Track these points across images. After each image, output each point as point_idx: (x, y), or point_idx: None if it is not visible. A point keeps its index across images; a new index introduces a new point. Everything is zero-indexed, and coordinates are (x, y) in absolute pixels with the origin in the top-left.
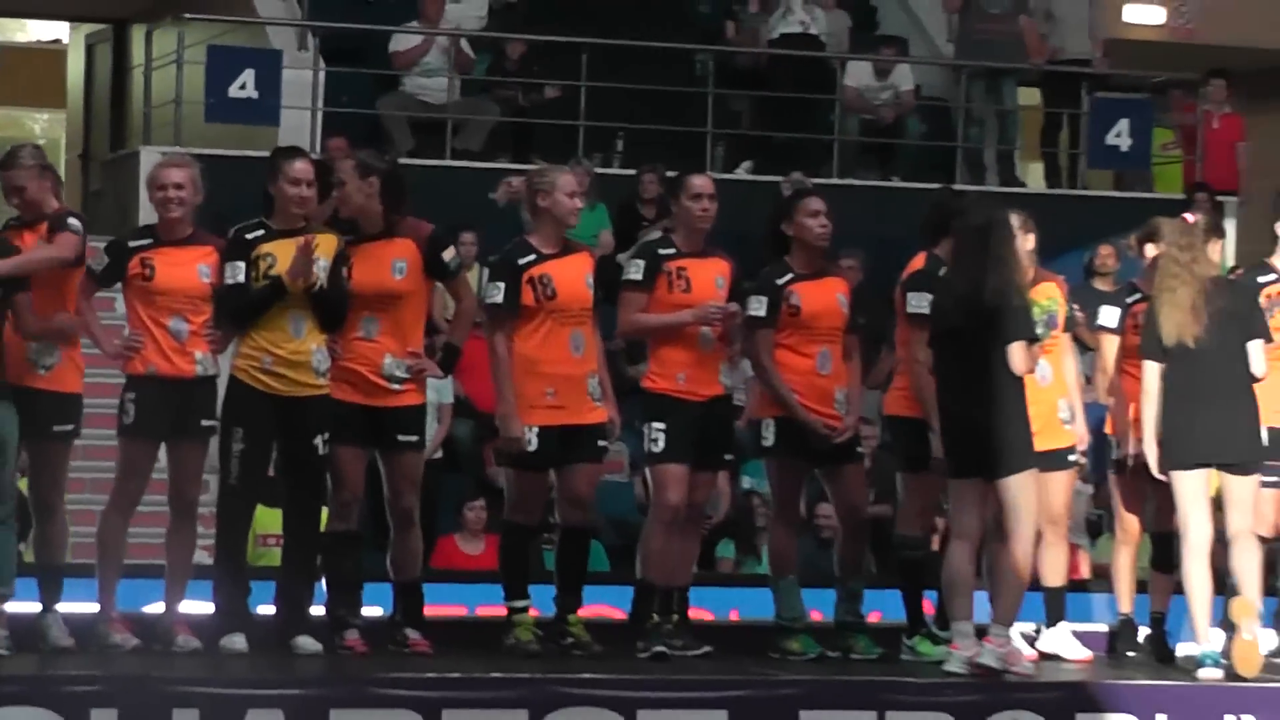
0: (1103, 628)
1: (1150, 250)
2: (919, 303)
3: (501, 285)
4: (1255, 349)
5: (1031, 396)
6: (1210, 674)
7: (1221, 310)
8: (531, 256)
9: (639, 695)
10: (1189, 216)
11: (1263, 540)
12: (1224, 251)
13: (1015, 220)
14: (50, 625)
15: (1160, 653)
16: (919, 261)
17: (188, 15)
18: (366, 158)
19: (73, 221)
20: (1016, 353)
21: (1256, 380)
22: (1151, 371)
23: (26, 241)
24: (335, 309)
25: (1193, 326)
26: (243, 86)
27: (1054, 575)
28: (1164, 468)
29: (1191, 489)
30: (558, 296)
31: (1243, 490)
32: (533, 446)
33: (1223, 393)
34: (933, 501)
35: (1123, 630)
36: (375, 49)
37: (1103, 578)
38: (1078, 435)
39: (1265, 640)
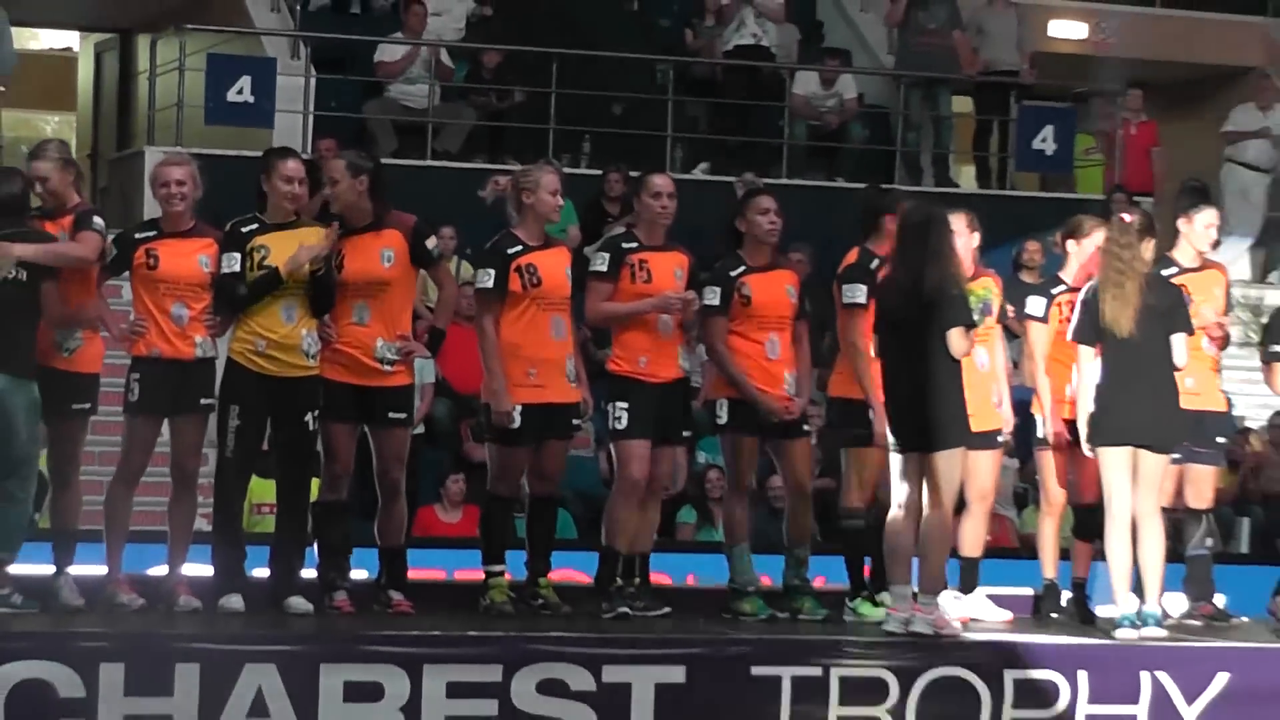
0: (1028, 591)
1: (1072, 246)
2: (853, 293)
3: (492, 272)
4: (1178, 342)
5: (971, 380)
6: (1127, 634)
7: (1151, 305)
8: (519, 247)
9: (604, 652)
10: (1126, 216)
11: (1165, 511)
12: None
13: (963, 220)
14: (62, 586)
15: (1082, 614)
16: (852, 256)
17: (189, 26)
18: (355, 158)
19: (97, 221)
20: (955, 338)
21: (1177, 369)
22: (1086, 355)
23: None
24: (326, 294)
25: (1129, 319)
26: (239, 91)
27: (971, 547)
28: (1092, 444)
29: (1116, 465)
30: (543, 284)
31: (1155, 468)
32: (516, 423)
33: (1147, 379)
34: (873, 475)
35: (1047, 594)
36: (362, 58)
37: (1028, 546)
38: (1006, 418)
39: (1173, 603)
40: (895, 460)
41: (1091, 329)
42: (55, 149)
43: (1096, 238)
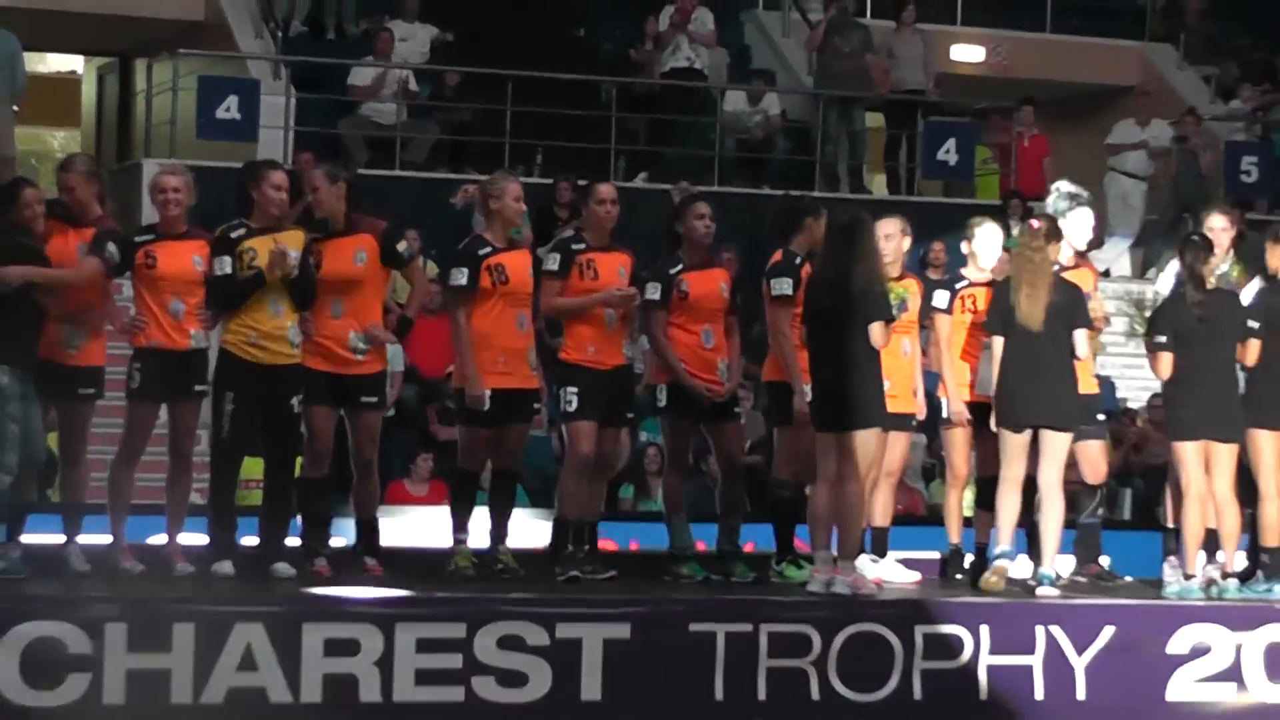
0: (936, 555)
1: (964, 248)
2: (781, 287)
3: (465, 270)
4: (1080, 336)
5: (894, 367)
6: (1050, 594)
7: (1056, 302)
8: (488, 249)
9: (558, 611)
10: (1035, 223)
11: (1087, 486)
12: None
13: (897, 224)
14: (71, 554)
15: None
16: (779, 255)
17: (181, 50)
18: (334, 168)
19: (110, 248)
20: (876, 330)
21: (1078, 359)
22: (997, 344)
23: (69, 239)
24: (305, 291)
25: (1039, 315)
26: (227, 109)
27: (882, 517)
28: (999, 424)
29: (1016, 444)
30: (510, 282)
31: (1058, 447)
32: (487, 406)
33: (1050, 369)
34: (801, 451)
35: (952, 558)
36: (337, 79)
37: (936, 515)
38: (920, 405)
39: (1065, 564)
40: (819, 438)
41: (1001, 321)
42: (82, 162)
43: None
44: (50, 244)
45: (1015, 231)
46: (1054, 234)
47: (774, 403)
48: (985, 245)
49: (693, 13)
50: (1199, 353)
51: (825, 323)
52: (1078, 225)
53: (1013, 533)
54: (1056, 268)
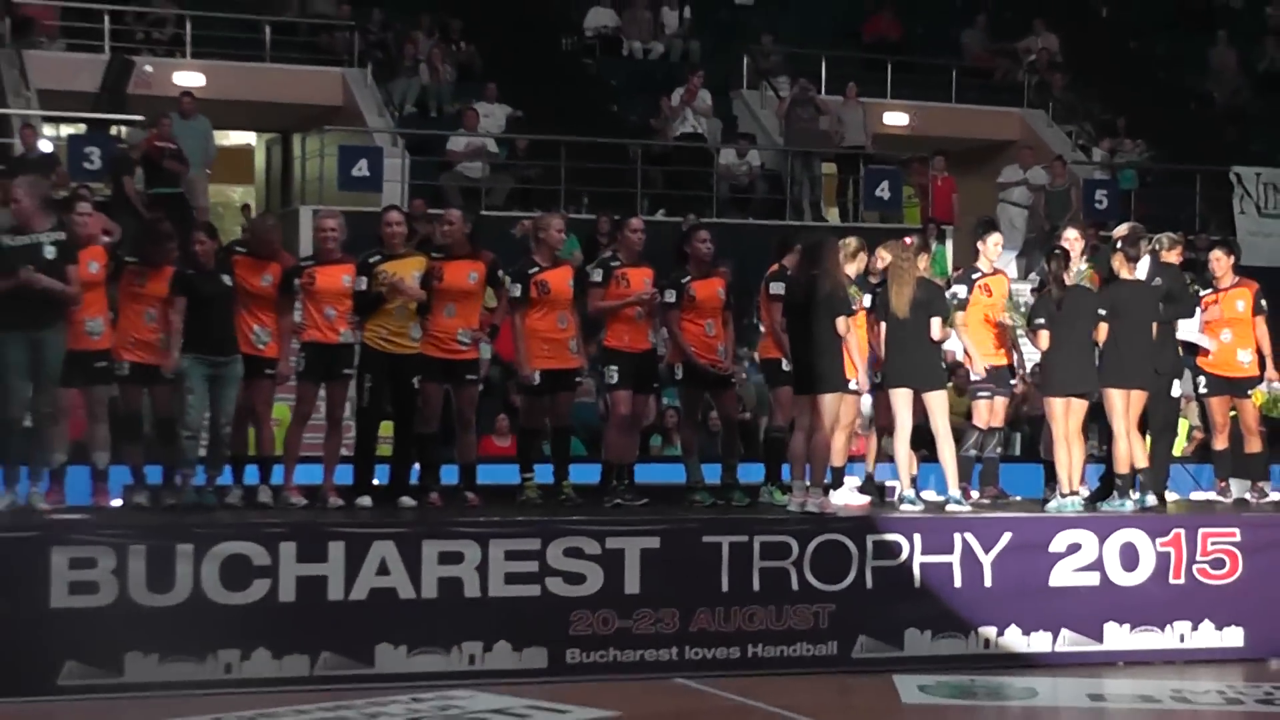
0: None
1: (980, 247)
2: (776, 289)
3: (519, 285)
4: (935, 323)
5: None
6: (911, 509)
7: (919, 297)
8: (535, 268)
9: (606, 528)
10: (907, 240)
11: (994, 429)
12: (930, 261)
13: (854, 244)
14: (262, 491)
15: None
16: (774, 267)
17: (326, 127)
18: (466, 213)
19: (295, 284)
20: (840, 323)
21: (935, 341)
22: (884, 329)
23: (259, 270)
24: (423, 304)
25: (906, 306)
26: (360, 169)
27: (839, 458)
28: (886, 385)
29: (903, 399)
30: (551, 292)
31: (938, 402)
32: (536, 382)
33: (916, 346)
34: (788, 406)
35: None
36: (438, 146)
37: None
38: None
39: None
40: (796, 399)
41: (885, 311)
42: (270, 217)
43: (886, 255)
44: (239, 272)
45: (936, 247)
46: (924, 247)
47: (768, 373)
48: (993, 249)
49: (696, 93)
50: (1062, 332)
51: (800, 316)
52: (992, 244)
53: (911, 476)
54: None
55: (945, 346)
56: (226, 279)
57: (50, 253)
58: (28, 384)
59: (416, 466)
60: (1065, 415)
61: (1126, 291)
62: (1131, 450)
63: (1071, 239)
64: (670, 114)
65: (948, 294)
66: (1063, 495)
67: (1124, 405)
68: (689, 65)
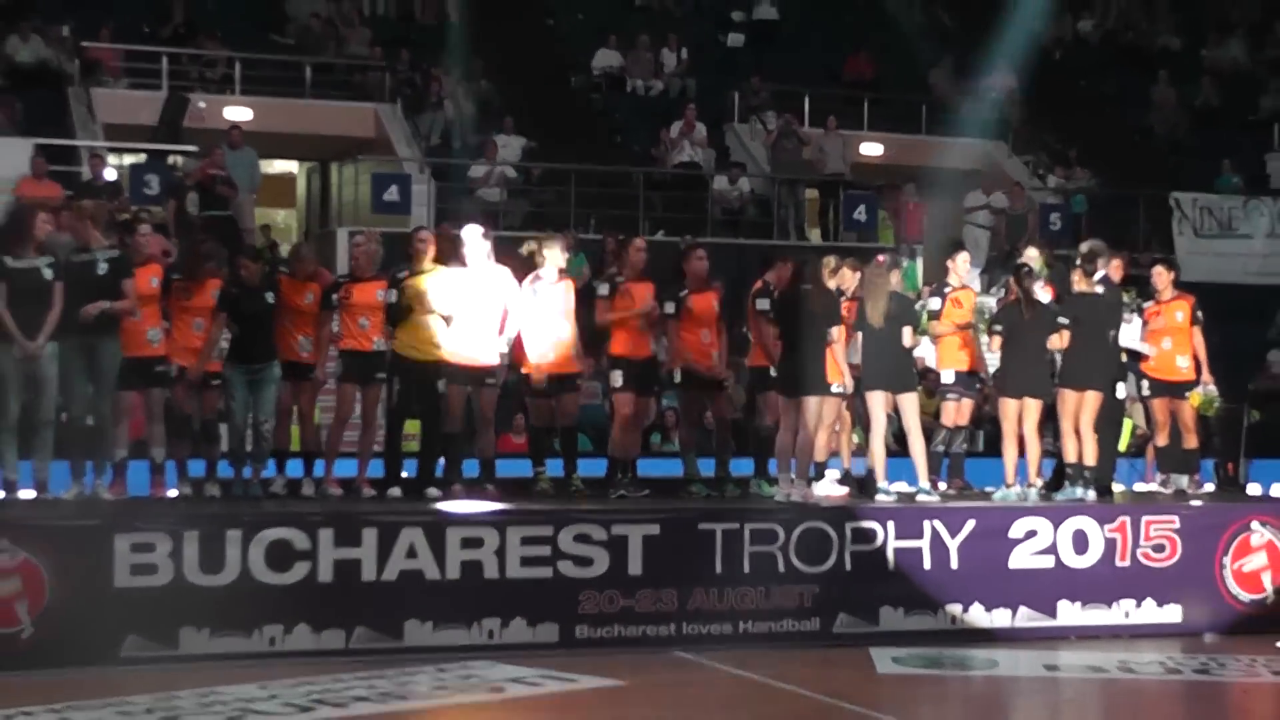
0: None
1: (950, 265)
2: (762, 305)
3: (531, 295)
4: (906, 332)
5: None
6: (885, 499)
7: (891, 309)
8: (540, 283)
9: (612, 516)
10: (880, 258)
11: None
12: (902, 276)
13: (834, 261)
14: (305, 483)
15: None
16: (759, 284)
17: (360, 157)
18: (486, 234)
19: (334, 298)
20: (832, 332)
21: (906, 348)
22: (858, 339)
23: (299, 288)
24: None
25: (880, 317)
26: (391, 194)
27: (821, 454)
28: (865, 389)
29: (877, 400)
30: (558, 304)
31: (910, 401)
32: (543, 385)
33: (890, 353)
34: (774, 408)
35: (867, 479)
36: (460, 173)
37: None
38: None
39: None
40: (783, 402)
41: (862, 322)
42: (307, 249)
43: (848, 273)
44: (284, 291)
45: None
46: (895, 264)
47: (755, 379)
48: (961, 266)
49: (693, 125)
50: (1020, 340)
51: (790, 328)
52: (961, 262)
53: (884, 469)
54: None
55: (915, 353)
56: (269, 296)
57: (103, 269)
58: (87, 386)
59: (441, 461)
60: (1018, 415)
61: (1085, 303)
62: (1081, 446)
63: (1033, 257)
64: (669, 145)
65: (918, 305)
66: (1007, 486)
67: (1076, 405)
68: (686, 101)
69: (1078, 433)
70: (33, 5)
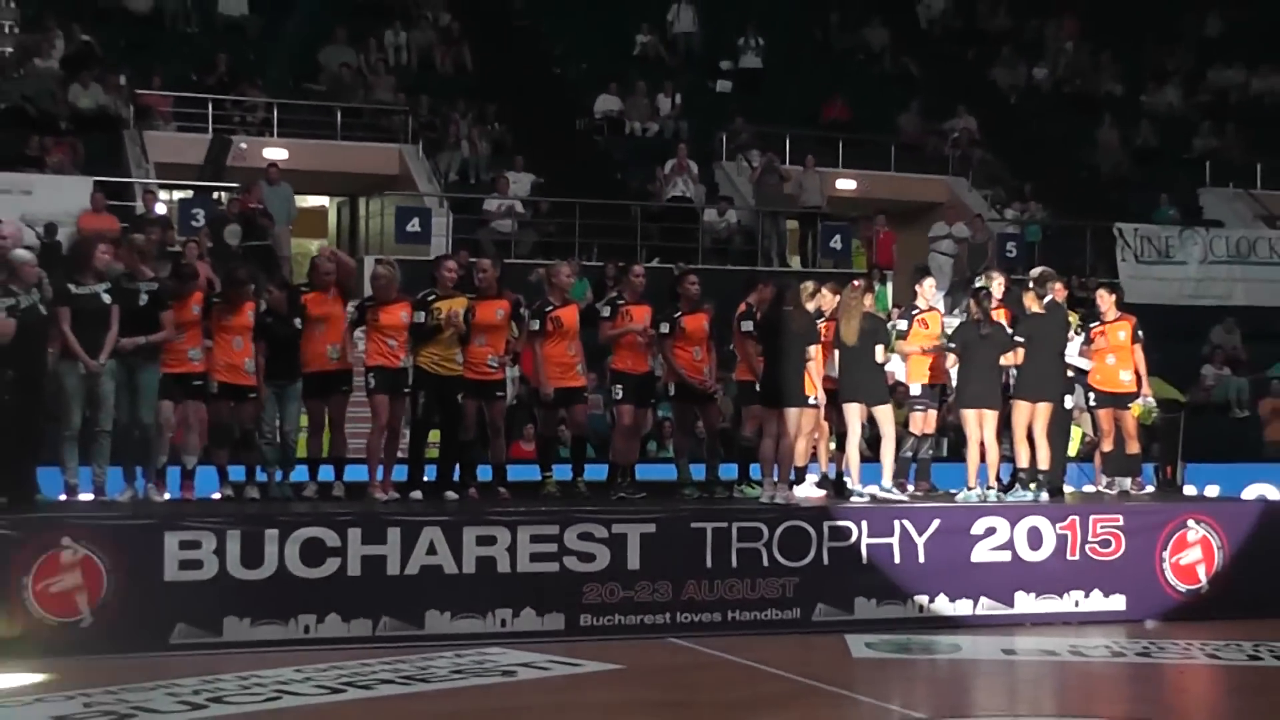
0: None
1: (917, 289)
2: (746, 327)
3: (537, 321)
4: (879, 350)
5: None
6: (859, 500)
7: (864, 328)
8: (550, 306)
9: (612, 516)
10: (856, 282)
11: (927, 435)
12: (874, 299)
13: (812, 286)
14: (335, 487)
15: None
16: (743, 306)
17: (385, 192)
18: (496, 260)
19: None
20: (811, 350)
21: (879, 363)
22: (837, 356)
23: (328, 300)
24: (463, 337)
25: (855, 336)
26: (413, 225)
27: (801, 459)
28: (842, 401)
29: (853, 411)
30: (563, 326)
31: (884, 413)
32: (552, 397)
33: (865, 368)
34: (758, 420)
35: (838, 481)
36: (475, 206)
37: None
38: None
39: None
40: (765, 413)
41: (838, 341)
42: (324, 260)
43: (834, 297)
44: (310, 304)
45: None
46: (869, 288)
47: (741, 392)
48: (928, 290)
49: (684, 163)
50: (978, 356)
51: (773, 346)
52: (928, 287)
53: (859, 473)
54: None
55: (886, 368)
56: (298, 322)
57: (144, 300)
58: (125, 399)
59: (458, 467)
60: (978, 424)
61: (1036, 321)
62: (1034, 452)
63: (996, 282)
64: (663, 180)
65: (889, 325)
66: (968, 489)
67: (1029, 415)
68: (679, 141)
69: (1031, 440)
70: (93, 56)
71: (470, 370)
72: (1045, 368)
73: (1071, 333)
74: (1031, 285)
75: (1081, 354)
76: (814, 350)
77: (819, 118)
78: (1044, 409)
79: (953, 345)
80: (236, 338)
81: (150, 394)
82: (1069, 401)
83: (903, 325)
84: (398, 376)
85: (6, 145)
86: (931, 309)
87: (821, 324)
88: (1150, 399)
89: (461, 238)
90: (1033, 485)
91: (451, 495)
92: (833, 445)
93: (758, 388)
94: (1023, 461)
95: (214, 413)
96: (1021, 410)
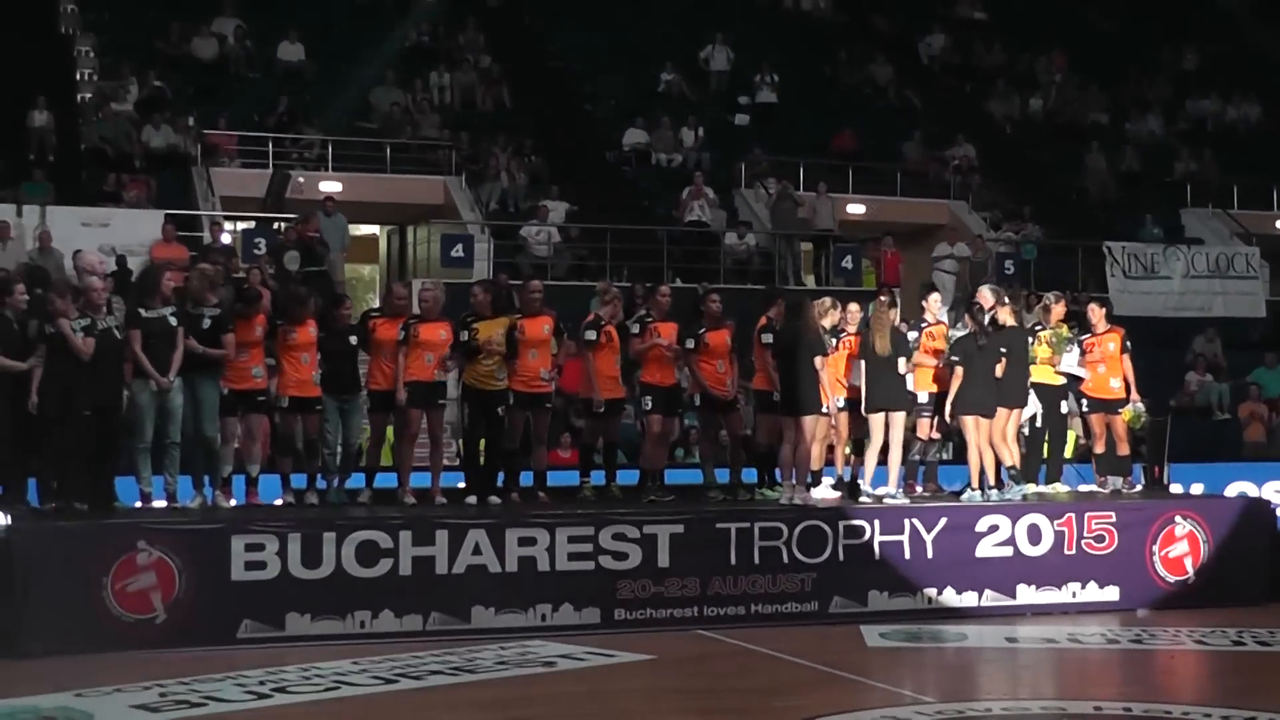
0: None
1: (924, 304)
2: (766, 339)
3: (593, 333)
4: (903, 361)
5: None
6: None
7: (894, 340)
8: (603, 321)
9: (644, 518)
10: (882, 297)
11: (934, 440)
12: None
13: (828, 302)
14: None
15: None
16: (763, 320)
17: (432, 220)
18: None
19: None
20: (818, 361)
21: (902, 374)
22: (862, 366)
23: (389, 327)
24: (510, 352)
25: (888, 347)
26: (457, 251)
27: (816, 463)
28: (867, 410)
29: (877, 421)
30: (612, 341)
31: (896, 421)
32: (600, 408)
33: (888, 378)
34: (775, 428)
35: (853, 484)
36: (515, 232)
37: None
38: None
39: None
40: (785, 420)
41: (869, 352)
42: (402, 289)
43: (837, 312)
44: (379, 332)
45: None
46: (893, 304)
47: (760, 401)
48: (934, 305)
49: (700, 190)
50: (975, 367)
51: (786, 356)
52: (934, 303)
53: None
54: (926, 324)
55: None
56: (353, 339)
57: (206, 324)
58: (189, 414)
59: (502, 473)
60: (976, 428)
61: (1009, 334)
62: (1013, 452)
63: (987, 296)
64: (682, 206)
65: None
66: (972, 489)
67: (1006, 419)
68: (701, 171)
69: (1005, 442)
70: (164, 100)
71: (522, 383)
72: (1016, 377)
73: (1068, 345)
74: (1006, 300)
75: (1080, 364)
76: (819, 361)
77: (830, 148)
78: (1017, 414)
79: (955, 358)
80: (303, 354)
81: (211, 409)
82: (1064, 406)
83: (913, 336)
84: (433, 390)
85: (87, 182)
86: (939, 322)
87: (847, 338)
88: (1140, 404)
89: (501, 261)
90: (1020, 482)
91: (495, 500)
92: (848, 450)
93: (775, 397)
94: (1008, 462)
95: (283, 425)
96: (1001, 415)
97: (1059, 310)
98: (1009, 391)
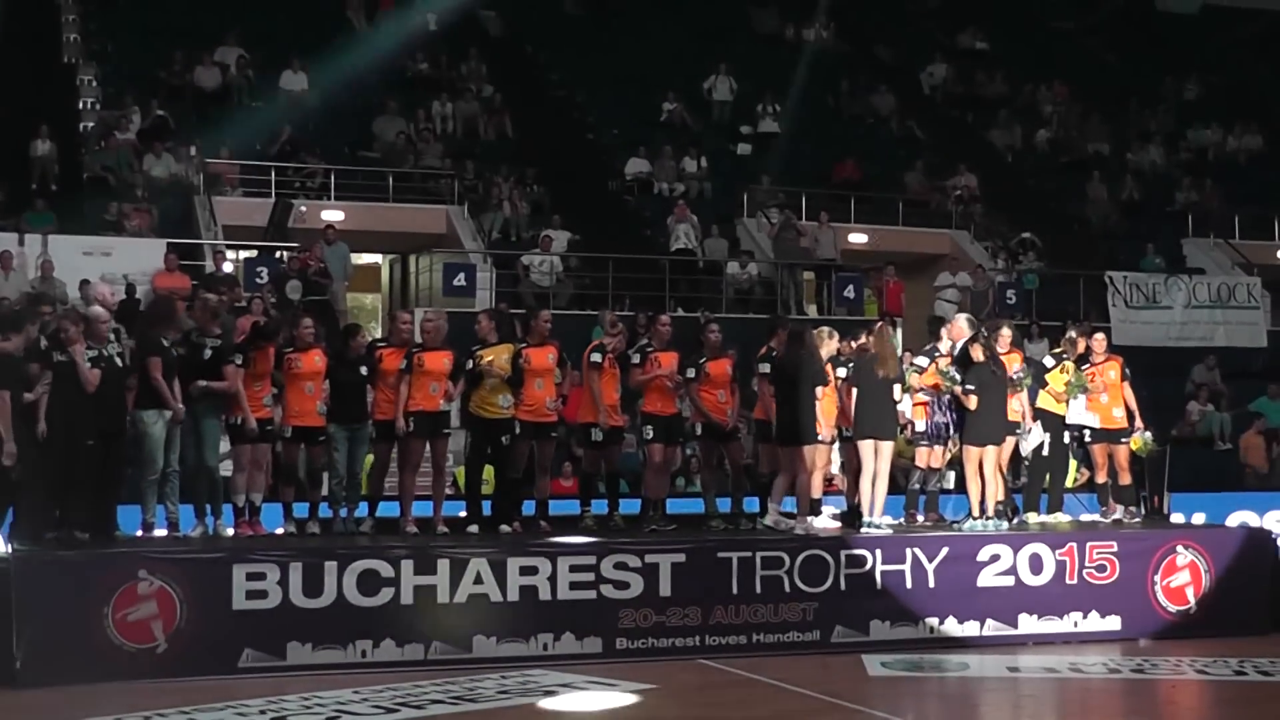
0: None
1: (943, 333)
2: (764, 367)
3: (598, 356)
4: (898, 388)
5: (825, 408)
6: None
7: (895, 366)
8: (608, 348)
9: (645, 547)
10: (883, 324)
11: (935, 469)
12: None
13: (828, 331)
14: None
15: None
16: (763, 350)
17: (434, 250)
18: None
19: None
20: (818, 391)
21: (895, 402)
22: (859, 391)
23: (394, 357)
24: (515, 380)
25: (895, 371)
26: (459, 280)
27: (816, 491)
28: (856, 439)
29: (867, 448)
30: (614, 369)
31: (886, 450)
32: (599, 437)
33: (881, 406)
34: (774, 457)
35: (852, 513)
36: (516, 261)
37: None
38: (831, 430)
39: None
40: (781, 450)
41: (872, 377)
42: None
43: (834, 341)
44: (385, 362)
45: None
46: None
47: (759, 430)
48: (962, 327)
49: (684, 215)
50: (986, 395)
51: (787, 386)
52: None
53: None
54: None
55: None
56: (364, 369)
57: (208, 354)
58: (191, 445)
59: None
60: (976, 459)
61: (992, 369)
62: (999, 485)
63: (963, 328)
64: (669, 231)
65: (904, 367)
66: (974, 518)
67: (997, 453)
68: (703, 201)
69: (1000, 474)
70: (167, 129)
71: (528, 412)
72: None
73: (1077, 395)
74: (981, 337)
75: (1087, 409)
76: (819, 391)
77: (832, 177)
78: (1008, 446)
79: (971, 387)
80: (308, 384)
81: (213, 440)
82: (1065, 436)
83: (923, 362)
84: (437, 419)
85: (90, 211)
86: (951, 353)
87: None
88: (1147, 433)
89: (503, 290)
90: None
91: (505, 529)
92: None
93: (776, 427)
94: (1000, 494)
95: (285, 454)
96: (989, 449)
97: (1083, 345)
98: (999, 425)
